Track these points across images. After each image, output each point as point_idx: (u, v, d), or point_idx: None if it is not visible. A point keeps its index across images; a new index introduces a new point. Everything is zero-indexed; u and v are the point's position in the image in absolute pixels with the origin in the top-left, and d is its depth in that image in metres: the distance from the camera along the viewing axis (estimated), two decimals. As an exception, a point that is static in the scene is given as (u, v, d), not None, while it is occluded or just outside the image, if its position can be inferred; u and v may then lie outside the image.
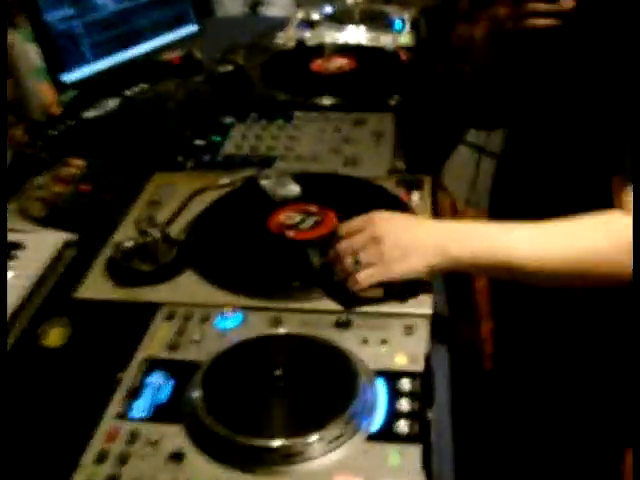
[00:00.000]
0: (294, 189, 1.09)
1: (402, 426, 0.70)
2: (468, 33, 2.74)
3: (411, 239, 0.84)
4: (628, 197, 0.78)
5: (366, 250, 0.84)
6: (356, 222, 0.88)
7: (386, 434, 0.70)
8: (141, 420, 0.73)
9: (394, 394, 0.74)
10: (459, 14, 2.79)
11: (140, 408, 0.74)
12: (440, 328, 0.84)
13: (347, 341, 0.80)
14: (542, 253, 0.79)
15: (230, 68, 1.47)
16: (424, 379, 0.76)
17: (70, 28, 1.45)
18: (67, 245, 1.05)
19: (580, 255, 0.78)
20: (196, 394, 0.72)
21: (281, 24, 1.87)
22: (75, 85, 1.48)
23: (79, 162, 1.26)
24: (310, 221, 1.00)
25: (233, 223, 1.03)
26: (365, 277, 0.84)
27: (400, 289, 0.86)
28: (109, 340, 0.86)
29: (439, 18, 2.63)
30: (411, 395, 0.74)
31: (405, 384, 0.75)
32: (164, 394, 0.76)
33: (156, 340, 0.83)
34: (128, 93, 1.56)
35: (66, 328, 0.86)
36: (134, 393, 0.76)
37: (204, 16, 1.87)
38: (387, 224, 0.86)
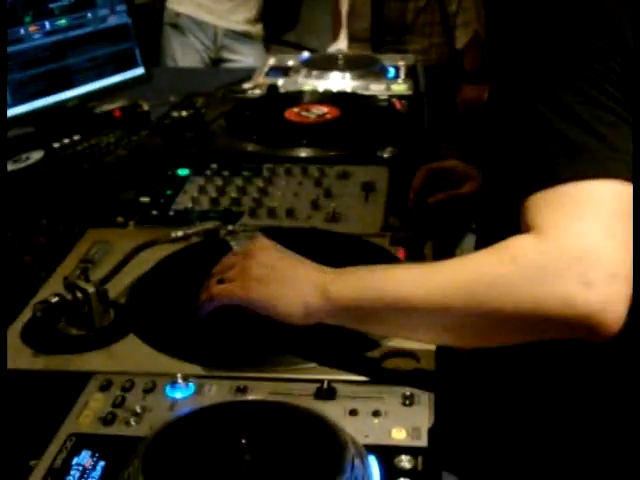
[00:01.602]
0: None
1: (400, 509, 0.72)
2: (476, 95, 2.91)
3: (289, 269, 0.93)
4: (529, 209, 0.81)
5: (234, 267, 0.96)
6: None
7: (381, 518, 0.71)
8: (65, 505, 0.73)
9: (390, 473, 0.75)
10: (465, 74, 2.96)
11: (64, 494, 0.75)
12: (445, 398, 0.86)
13: (330, 412, 0.82)
14: (430, 282, 0.84)
15: (185, 114, 1.55)
16: (429, 456, 0.77)
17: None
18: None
19: (471, 278, 0.81)
20: (134, 475, 0.73)
21: (248, 76, 1.97)
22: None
23: (-8, 220, 1.30)
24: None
25: (188, 282, 1.06)
26: (218, 289, 0.95)
27: None
28: (25, 417, 0.87)
29: (443, 78, 2.79)
30: (412, 474, 0.75)
31: (405, 462, 0.77)
32: (95, 476, 0.77)
33: (86, 413, 0.85)
34: (56, 145, 1.63)
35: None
36: (56, 475, 0.77)
37: (150, 65, 1.97)
38: (267, 246, 0.98)
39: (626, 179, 0.78)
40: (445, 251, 1.24)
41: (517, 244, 0.81)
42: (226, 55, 3.28)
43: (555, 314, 0.77)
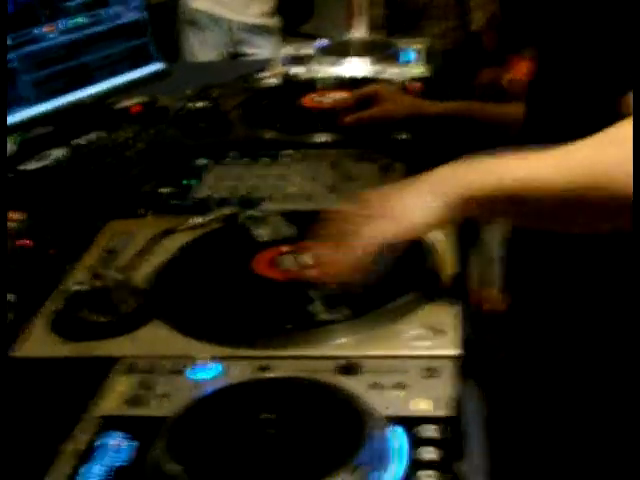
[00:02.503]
0: (286, 229, 1.14)
1: (424, 478, 0.72)
2: (493, 77, 2.90)
3: (415, 183, 0.93)
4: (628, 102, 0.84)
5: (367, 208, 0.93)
6: None
7: (405, 486, 0.71)
8: (95, 485, 0.74)
9: (413, 442, 0.76)
10: (484, 57, 2.96)
11: (93, 473, 0.76)
12: (471, 368, 0.86)
13: (352, 387, 0.83)
14: (548, 165, 0.85)
15: (201, 105, 1.56)
16: (451, 425, 0.78)
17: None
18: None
19: (587, 160, 0.84)
20: (163, 448, 0.74)
21: (265, 66, 1.98)
22: (12, 129, 1.56)
23: (18, 215, 1.32)
24: (307, 259, 1.04)
25: (210, 267, 1.08)
26: (374, 231, 0.91)
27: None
28: (54, 402, 0.88)
29: (459, 61, 2.78)
30: (435, 443, 0.76)
31: (427, 431, 0.77)
32: (123, 457, 0.78)
33: (113, 396, 0.86)
34: (77, 142, 1.65)
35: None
36: (84, 457, 0.78)
37: (169, 61, 1.99)
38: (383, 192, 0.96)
39: None
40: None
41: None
42: (244, 49, 3.30)
43: None
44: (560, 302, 1.09)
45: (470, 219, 0.97)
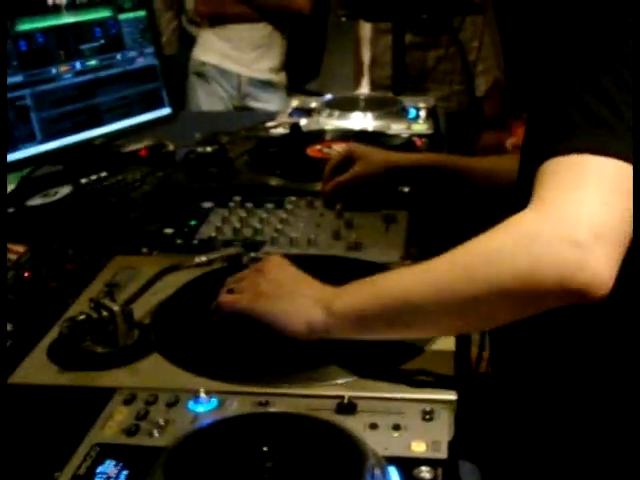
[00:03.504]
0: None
1: (421, 518, 0.72)
2: (495, 141, 2.95)
3: (295, 285, 0.98)
4: (538, 177, 0.84)
5: (245, 280, 1.01)
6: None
7: (401, 525, 0.71)
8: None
9: (411, 483, 0.76)
10: (485, 120, 3.01)
11: (87, 500, 0.76)
12: (466, 413, 0.87)
13: (351, 426, 0.82)
14: (429, 273, 0.88)
15: (210, 149, 1.58)
16: (447, 468, 0.78)
17: (16, 98, 1.56)
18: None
19: (469, 259, 0.84)
20: (160, 478, 0.74)
21: (271, 118, 2.01)
22: (17, 165, 1.58)
23: (19, 248, 1.33)
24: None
25: (211, 304, 1.08)
26: (227, 298, 1.01)
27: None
28: (51, 430, 0.88)
29: (463, 124, 2.83)
30: (432, 484, 0.76)
31: (424, 472, 0.77)
32: (118, 485, 0.78)
33: (111, 425, 0.86)
34: (83, 181, 1.66)
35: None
36: (80, 483, 0.78)
37: (175, 107, 2.02)
38: (279, 264, 1.03)
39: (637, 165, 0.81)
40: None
41: (515, 218, 0.83)
42: (250, 103, 3.35)
43: (549, 277, 0.79)
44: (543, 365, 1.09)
45: None
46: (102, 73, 1.73)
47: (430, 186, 1.43)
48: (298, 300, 0.96)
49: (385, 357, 0.95)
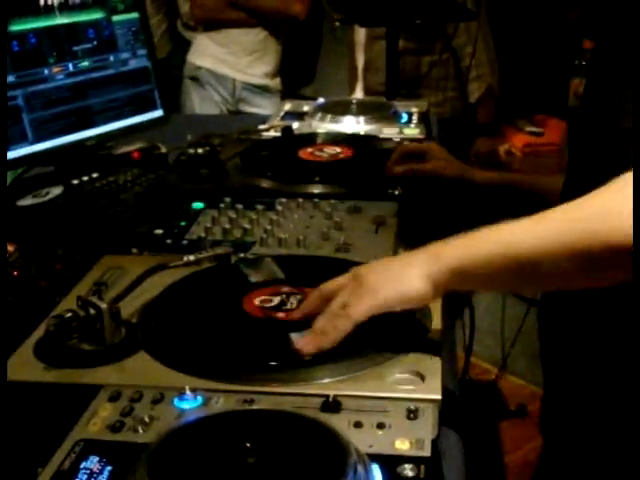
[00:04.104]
0: (276, 272, 1.15)
1: (403, 515, 0.72)
2: (489, 147, 2.96)
3: (398, 261, 0.96)
4: None
5: (347, 290, 0.95)
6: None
7: (382, 522, 0.71)
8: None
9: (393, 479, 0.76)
10: (479, 127, 3.01)
11: (70, 496, 0.76)
12: (450, 410, 0.87)
13: (335, 424, 0.83)
14: (543, 229, 0.86)
15: (201, 151, 1.58)
16: (430, 466, 0.78)
17: (8, 99, 1.56)
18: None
19: (585, 214, 0.84)
20: (143, 475, 0.74)
21: (264, 121, 2.02)
22: (9, 165, 1.58)
23: (9, 247, 1.33)
24: (294, 301, 1.06)
25: (199, 303, 1.09)
26: (356, 313, 0.92)
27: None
28: (36, 427, 0.88)
29: (456, 130, 2.84)
30: (415, 482, 0.76)
31: (407, 469, 0.77)
32: (101, 481, 0.78)
33: (95, 421, 0.86)
34: (75, 182, 1.66)
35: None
36: (63, 478, 0.78)
37: (169, 111, 2.02)
38: (368, 264, 0.99)
39: None
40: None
41: (624, 179, 0.83)
42: (244, 108, 3.36)
43: None
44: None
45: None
46: (95, 74, 1.74)
47: (500, 204, 1.44)
48: (409, 265, 0.94)
49: (371, 356, 0.95)
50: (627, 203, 0.80)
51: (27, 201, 1.58)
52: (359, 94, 3.02)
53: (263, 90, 3.36)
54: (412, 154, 1.51)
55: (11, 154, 1.58)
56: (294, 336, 0.97)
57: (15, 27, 1.58)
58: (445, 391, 0.90)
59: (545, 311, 1.20)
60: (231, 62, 3.29)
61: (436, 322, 1.04)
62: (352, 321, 0.94)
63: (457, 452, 0.88)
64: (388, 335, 0.98)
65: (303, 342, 0.95)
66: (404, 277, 0.93)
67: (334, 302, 0.96)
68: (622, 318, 1.00)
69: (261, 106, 3.31)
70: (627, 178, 0.83)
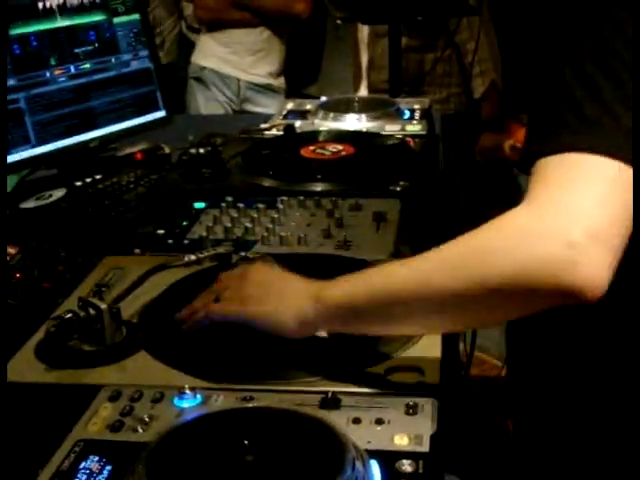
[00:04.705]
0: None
1: (401, 510, 0.72)
2: (494, 143, 2.94)
3: (282, 284, 0.97)
4: (531, 176, 0.82)
5: (229, 288, 0.99)
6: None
7: (381, 517, 0.71)
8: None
9: (392, 475, 0.76)
10: (484, 123, 3.00)
11: (69, 496, 0.76)
12: (451, 406, 0.87)
13: (334, 420, 0.82)
14: (419, 267, 0.86)
15: (203, 151, 1.58)
16: (430, 461, 0.78)
17: (10, 102, 1.57)
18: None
19: (459, 254, 0.83)
20: (142, 474, 0.74)
21: (267, 119, 2.01)
22: (11, 168, 1.58)
23: (11, 249, 1.33)
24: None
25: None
26: (214, 307, 0.99)
27: None
28: (38, 428, 0.88)
29: (461, 127, 2.83)
30: (413, 477, 0.76)
31: (406, 465, 0.77)
32: (101, 480, 0.78)
33: (95, 421, 0.86)
34: (78, 184, 1.67)
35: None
36: (63, 478, 0.78)
37: (175, 112, 2.02)
38: (261, 267, 1.03)
39: (630, 162, 0.79)
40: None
41: (507, 215, 0.82)
42: (249, 107, 3.36)
43: (540, 276, 0.77)
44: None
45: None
46: (96, 76, 1.74)
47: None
48: (287, 297, 0.95)
49: (370, 353, 0.95)
50: (504, 241, 0.80)
51: (30, 204, 1.58)
52: (363, 92, 3.01)
53: (267, 89, 3.35)
54: None
55: (14, 157, 1.59)
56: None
57: (16, 30, 1.59)
58: (445, 386, 0.89)
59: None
60: (235, 62, 3.29)
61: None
62: (207, 318, 1.00)
63: (458, 448, 0.87)
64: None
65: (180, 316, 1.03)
66: (279, 309, 0.95)
67: (211, 288, 1.04)
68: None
69: (266, 105, 3.31)
70: (504, 218, 0.82)
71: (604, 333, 0.95)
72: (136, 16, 1.84)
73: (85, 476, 0.79)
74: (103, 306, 0.99)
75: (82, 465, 0.80)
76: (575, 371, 1.00)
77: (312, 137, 1.77)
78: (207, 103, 3.33)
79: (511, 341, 1.16)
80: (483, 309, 0.83)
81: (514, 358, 1.14)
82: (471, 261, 0.81)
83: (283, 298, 0.96)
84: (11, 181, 1.70)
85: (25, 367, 0.98)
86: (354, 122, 1.89)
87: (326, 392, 0.88)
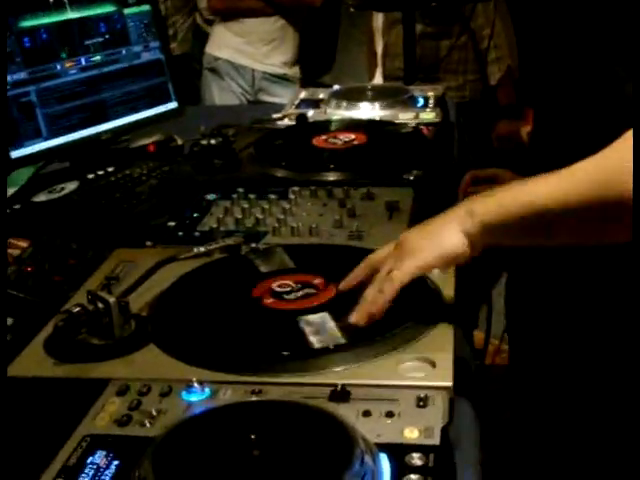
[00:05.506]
0: (288, 261, 1.14)
1: (411, 504, 0.71)
2: (511, 130, 2.91)
3: (434, 223, 0.97)
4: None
5: (391, 258, 0.97)
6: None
7: (390, 512, 0.70)
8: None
9: (402, 469, 0.75)
10: (500, 109, 2.97)
11: (75, 491, 0.75)
12: (464, 397, 0.85)
13: (343, 413, 0.81)
14: (565, 183, 0.89)
15: (214, 142, 1.57)
16: (441, 454, 0.76)
17: (20, 95, 1.56)
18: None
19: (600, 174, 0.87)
20: (149, 468, 0.74)
21: (280, 109, 2.00)
22: (23, 161, 1.58)
23: (23, 243, 1.33)
24: (302, 292, 1.05)
25: (210, 295, 1.08)
26: (400, 274, 0.95)
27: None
28: (46, 422, 0.88)
29: (477, 114, 2.80)
30: (423, 471, 0.74)
31: (415, 459, 0.76)
32: (108, 475, 0.77)
33: (102, 416, 0.85)
34: (90, 176, 1.66)
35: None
36: (70, 475, 0.77)
37: (189, 103, 2.01)
38: (411, 229, 1.01)
39: None
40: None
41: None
42: (263, 97, 3.34)
43: None
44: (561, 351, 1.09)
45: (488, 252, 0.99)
46: (107, 68, 1.73)
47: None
48: (446, 226, 0.96)
49: (381, 344, 0.94)
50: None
51: (41, 197, 1.58)
52: (378, 80, 2.99)
53: (282, 79, 3.34)
54: (482, 178, 1.49)
55: (25, 150, 1.58)
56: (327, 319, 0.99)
57: (26, 23, 1.58)
58: (458, 378, 0.88)
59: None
60: (249, 52, 3.28)
61: (449, 306, 1.02)
62: (395, 284, 0.95)
63: (471, 441, 0.86)
64: (398, 321, 0.96)
65: (356, 314, 0.97)
66: (442, 235, 0.95)
67: (381, 271, 0.98)
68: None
69: (280, 95, 3.29)
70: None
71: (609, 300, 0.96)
72: (147, 7, 1.82)
73: (92, 471, 0.78)
74: (111, 299, 0.99)
75: (89, 460, 0.79)
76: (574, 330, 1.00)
77: (324, 126, 1.76)
78: (222, 94, 3.33)
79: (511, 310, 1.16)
80: (613, 221, 0.87)
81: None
82: (616, 173, 0.85)
83: (444, 229, 0.96)
84: (24, 175, 1.69)
85: (34, 361, 0.98)
86: (367, 111, 1.88)
87: (335, 384, 0.87)
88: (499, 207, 0.93)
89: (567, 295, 1.07)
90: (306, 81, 3.37)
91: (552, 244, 0.96)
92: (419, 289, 1.02)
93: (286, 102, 2.22)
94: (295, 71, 3.37)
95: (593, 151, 0.88)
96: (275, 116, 1.86)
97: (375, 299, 0.96)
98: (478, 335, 1.41)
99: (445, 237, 0.95)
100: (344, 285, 1.04)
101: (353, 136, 1.67)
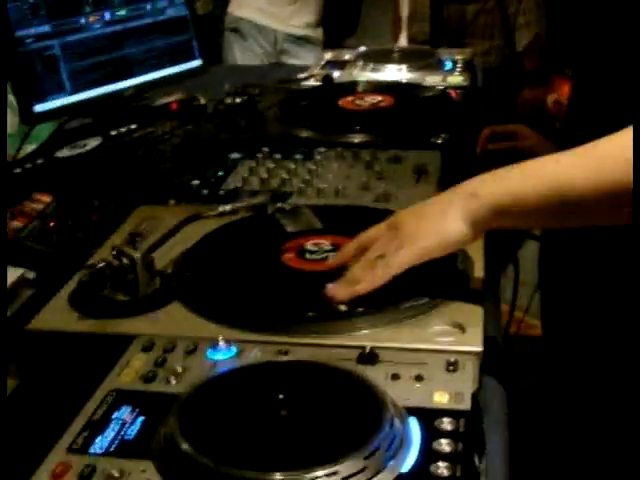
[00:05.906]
0: (315, 222, 1.12)
1: (441, 469, 0.70)
2: (536, 96, 2.87)
3: (435, 204, 0.91)
4: None
5: (386, 237, 0.92)
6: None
7: (420, 476, 0.69)
8: (99, 455, 0.73)
9: (431, 433, 0.74)
10: (526, 76, 2.93)
11: (99, 444, 0.75)
12: (493, 364, 0.84)
13: (371, 376, 0.80)
14: (585, 159, 0.84)
15: (239, 100, 1.55)
16: (471, 419, 0.75)
17: (44, 49, 1.54)
18: (23, 283, 1.08)
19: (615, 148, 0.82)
20: (174, 425, 0.73)
21: (304, 70, 1.98)
22: (46, 116, 1.57)
23: (45, 197, 1.32)
24: (332, 252, 1.03)
25: (235, 254, 1.07)
26: (397, 262, 0.90)
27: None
28: (70, 377, 0.87)
29: (503, 79, 2.76)
30: (452, 436, 0.73)
31: (446, 423, 0.75)
32: (134, 431, 0.76)
33: (127, 372, 0.84)
34: (113, 133, 1.65)
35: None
36: (95, 427, 0.77)
37: (212, 63, 1.99)
38: (405, 210, 0.95)
39: None
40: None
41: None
42: (286, 59, 3.31)
43: None
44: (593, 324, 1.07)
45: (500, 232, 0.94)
46: (131, 23, 1.71)
47: None
48: (444, 209, 0.90)
49: (410, 307, 0.92)
50: None
51: (65, 152, 1.57)
52: (403, 44, 2.95)
53: (305, 41, 3.30)
54: (501, 134, 1.47)
55: (49, 105, 1.57)
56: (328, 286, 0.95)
57: (51, -25, 1.56)
58: (487, 343, 0.87)
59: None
60: (272, 12, 3.24)
61: (478, 272, 1.01)
62: (390, 271, 0.91)
63: (499, 407, 0.85)
64: (428, 285, 0.95)
65: (335, 290, 0.93)
66: (443, 221, 0.89)
67: (371, 250, 0.93)
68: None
69: (303, 58, 3.26)
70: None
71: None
72: (172, -38, 1.79)
73: (118, 426, 0.77)
74: (137, 255, 0.97)
75: (115, 415, 0.78)
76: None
77: (351, 88, 1.73)
78: (244, 54, 3.29)
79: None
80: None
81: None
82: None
83: (442, 214, 0.90)
84: (47, 130, 1.68)
85: (58, 315, 0.97)
86: (394, 73, 1.85)
87: (363, 347, 0.86)
88: (507, 188, 0.87)
89: (602, 264, 1.05)
90: (329, 44, 3.33)
91: (564, 226, 0.93)
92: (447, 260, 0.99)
93: (309, 64, 2.20)
94: (318, 33, 3.33)
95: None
96: (300, 76, 1.83)
97: (361, 280, 0.92)
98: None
99: (446, 222, 0.89)
100: (333, 262, 1.00)
101: (380, 98, 1.64)
